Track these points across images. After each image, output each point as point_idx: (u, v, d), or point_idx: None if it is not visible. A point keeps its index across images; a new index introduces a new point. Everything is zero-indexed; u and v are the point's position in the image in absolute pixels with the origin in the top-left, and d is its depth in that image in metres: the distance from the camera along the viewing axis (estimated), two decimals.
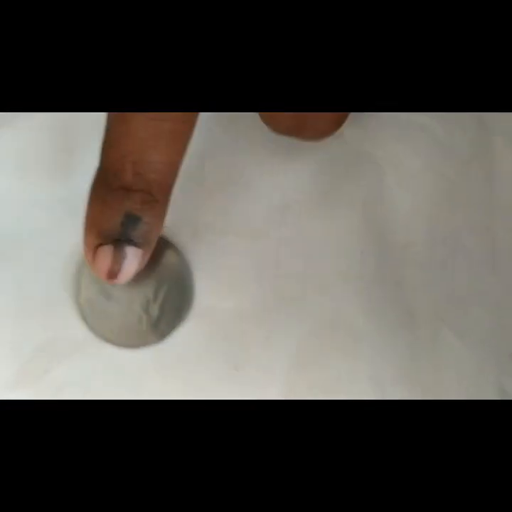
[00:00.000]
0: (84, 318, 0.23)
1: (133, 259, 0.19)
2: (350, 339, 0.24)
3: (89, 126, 0.24)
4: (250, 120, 0.24)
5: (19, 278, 0.24)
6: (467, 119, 0.25)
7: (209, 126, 0.25)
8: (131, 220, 0.19)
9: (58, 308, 0.24)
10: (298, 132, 0.21)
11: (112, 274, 0.20)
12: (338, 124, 0.21)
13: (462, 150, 0.25)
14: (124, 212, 0.19)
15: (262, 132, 0.24)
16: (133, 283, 0.22)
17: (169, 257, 0.24)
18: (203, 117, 0.24)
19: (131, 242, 0.19)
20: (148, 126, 0.18)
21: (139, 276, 0.22)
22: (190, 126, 0.19)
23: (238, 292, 0.24)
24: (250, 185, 0.25)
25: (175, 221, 0.24)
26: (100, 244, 0.19)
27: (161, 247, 0.23)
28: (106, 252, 0.19)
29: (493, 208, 0.25)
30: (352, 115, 0.24)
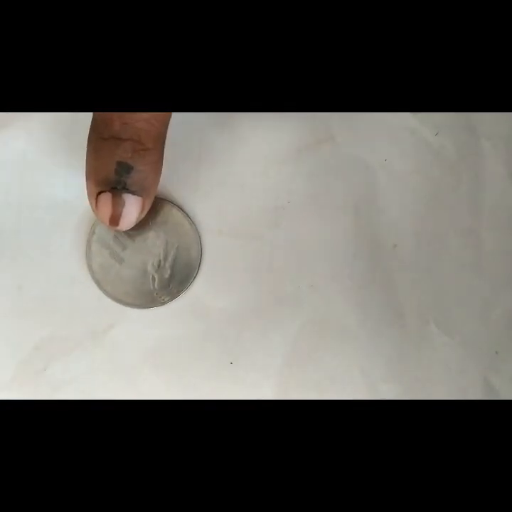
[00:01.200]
0: (98, 283, 0.24)
1: (132, 205, 0.20)
2: (342, 338, 0.24)
3: (85, 128, 0.24)
4: (245, 123, 0.25)
5: (19, 277, 0.24)
6: (455, 123, 0.25)
7: (204, 128, 0.25)
8: (123, 168, 0.20)
9: (56, 308, 0.24)
10: None
11: (114, 220, 0.21)
12: None
13: (450, 153, 0.25)
14: (116, 160, 0.19)
15: (257, 135, 0.25)
16: (142, 244, 0.23)
17: (175, 217, 0.24)
18: (199, 119, 0.25)
19: (128, 190, 0.20)
20: None
21: (148, 237, 0.23)
22: None
23: (233, 292, 0.25)
24: (244, 187, 0.25)
25: None
26: (100, 192, 0.20)
27: (168, 208, 0.24)
28: (105, 199, 0.20)
29: (479, 210, 0.25)
30: (344, 119, 0.25)
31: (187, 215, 0.24)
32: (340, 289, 0.25)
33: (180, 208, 0.24)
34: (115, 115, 0.19)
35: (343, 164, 0.25)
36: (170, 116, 0.20)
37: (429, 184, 0.25)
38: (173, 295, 0.24)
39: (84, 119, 0.24)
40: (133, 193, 0.20)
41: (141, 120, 0.19)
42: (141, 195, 0.20)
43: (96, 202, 0.20)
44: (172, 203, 0.24)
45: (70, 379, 0.24)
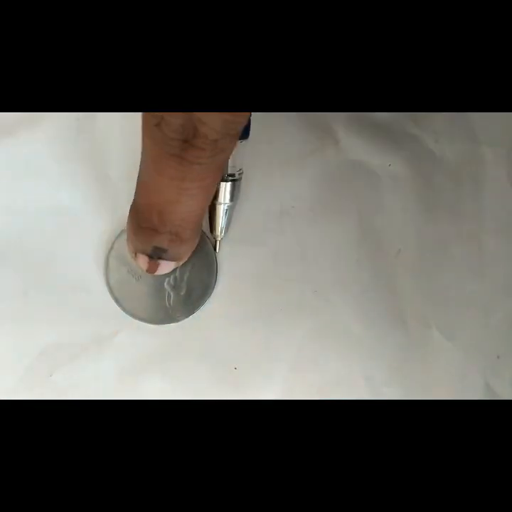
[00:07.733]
0: (116, 299, 0.24)
1: (166, 266, 0.22)
2: (346, 342, 0.25)
3: (90, 136, 0.24)
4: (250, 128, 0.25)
5: (24, 284, 0.24)
6: (457, 131, 0.25)
7: None
8: (159, 250, 0.21)
9: (61, 313, 0.24)
10: None
11: (151, 271, 0.22)
12: None
13: (452, 160, 0.25)
14: (153, 245, 0.21)
15: (261, 140, 0.25)
16: None
17: None
18: None
19: (162, 259, 0.22)
20: (171, 186, 0.19)
21: None
22: (209, 186, 0.20)
23: (238, 297, 0.25)
24: (249, 193, 0.25)
25: None
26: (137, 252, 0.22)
27: None
28: (142, 259, 0.22)
29: (480, 215, 0.25)
30: (348, 124, 0.25)
31: (204, 233, 0.24)
32: (344, 294, 0.25)
33: None
34: (154, 213, 0.20)
35: (348, 170, 0.25)
36: (204, 211, 0.21)
37: (431, 189, 0.25)
38: (189, 312, 0.24)
39: (86, 129, 0.24)
40: (167, 260, 0.22)
41: (179, 219, 0.20)
42: (174, 261, 0.22)
43: (135, 257, 0.22)
44: None
45: (75, 385, 0.24)
